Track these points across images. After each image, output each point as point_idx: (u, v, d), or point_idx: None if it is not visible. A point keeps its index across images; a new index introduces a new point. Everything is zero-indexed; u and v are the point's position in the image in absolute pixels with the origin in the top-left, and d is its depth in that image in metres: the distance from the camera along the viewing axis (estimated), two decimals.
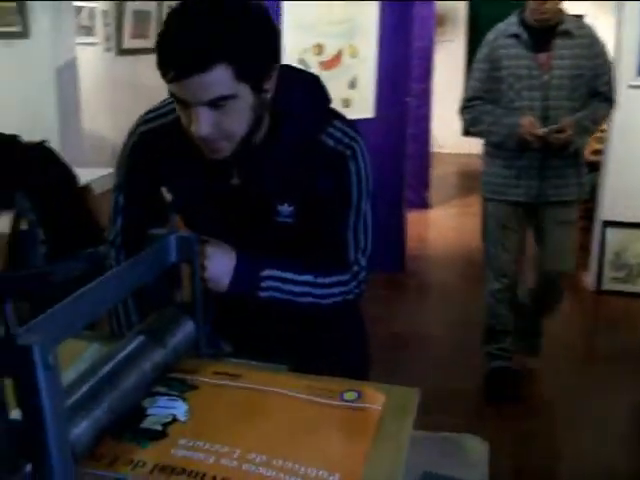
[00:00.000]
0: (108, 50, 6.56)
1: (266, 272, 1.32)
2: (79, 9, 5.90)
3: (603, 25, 4.51)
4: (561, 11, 3.02)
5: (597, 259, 4.59)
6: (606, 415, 3.16)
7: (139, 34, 6.47)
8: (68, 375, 1.03)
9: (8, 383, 0.76)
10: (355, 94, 4.59)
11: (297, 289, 1.35)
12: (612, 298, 4.52)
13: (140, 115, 1.46)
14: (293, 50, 4.35)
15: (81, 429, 0.88)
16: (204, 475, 0.87)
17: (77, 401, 0.91)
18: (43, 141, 3.58)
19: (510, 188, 3.15)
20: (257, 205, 1.37)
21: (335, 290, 1.38)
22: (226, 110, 1.20)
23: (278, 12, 4.33)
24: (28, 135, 3.68)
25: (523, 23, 3.05)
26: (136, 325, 1.28)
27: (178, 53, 1.15)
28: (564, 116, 2.98)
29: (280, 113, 1.33)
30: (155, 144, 1.40)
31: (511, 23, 3.09)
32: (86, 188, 4.12)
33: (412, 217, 5.70)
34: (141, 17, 6.48)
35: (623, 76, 4.16)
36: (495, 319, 3.34)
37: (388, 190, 4.86)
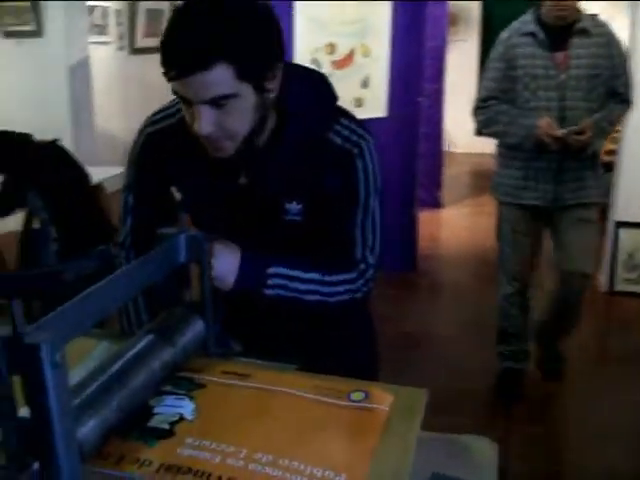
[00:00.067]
0: (121, 49, 6.58)
1: (272, 270, 1.33)
2: (92, 8, 5.92)
3: (617, 25, 4.47)
4: (578, 9, 2.95)
5: (610, 260, 4.57)
6: (618, 416, 3.14)
7: (152, 33, 6.49)
8: (77, 373, 1.03)
9: (16, 380, 0.76)
10: (367, 93, 4.58)
11: (303, 287, 1.35)
12: (625, 299, 4.49)
13: (148, 116, 1.47)
14: (305, 49, 4.35)
15: (89, 427, 0.88)
16: (210, 475, 0.87)
17: (86, 399, 0.91)
18: (55, 140, 3.59)
19: (525, 191, 3.07)
20: (265, 204, 1.38)
21: (342, 288, 1.38)
22: (228, 109, 1.20)
23: (290, 12, 4.32)
24: (41, 133, 3.69)
25: (539, 21, 2.98)
26: (146, 324, 1.28)
27: (179, 52, 1.16)
28: (581, 117, 2.92)
29: (287, 112, 1.34)
30: (163, 144, 1.41)
31: (526, 21, 3.02)
32: (98, 187, 4.13)
33: (424, 216, 5.69)
34: (154, 16, 6.50)
35: (636, 76, 4.14)
36: (507, 322, 3.32)
37: (400, 189, 4.85)
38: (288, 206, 1.37)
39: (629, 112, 3.22)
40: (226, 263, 1.26)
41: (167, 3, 6.46)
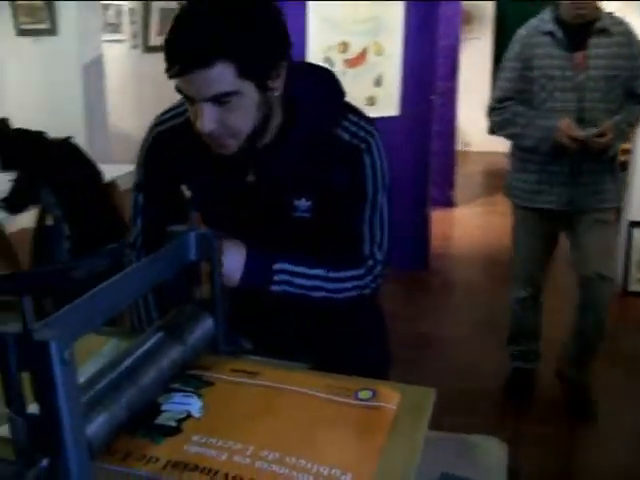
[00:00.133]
0: (135, 47, 6.61)
1: (277, 266, 1.33)
2: (106, 7, 5.95)
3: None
4: (598, 8, 2.85)
5: (623, 260, 4.54)
6: (630, 417, 3.12)
7: (165, 31, 6.50)
8: (87, 370, 1.04)
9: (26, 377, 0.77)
10: (380, 92, 4.58)
11: (309, 283, 1.35)
12: (638, 300, 4.46)
13: (156, 115, 1.48)
14: (318, 48, 4.36)
15: (98, 424, 0.88)
16: (216, 472, 0.87)
17: (95, 396, 0.91)
18: (68, 137, 3.61)
19: (540, 195, 2.99)
20: (274, 201, 1.38)
21: (349, 285, 1.38)
22: (230, 107, 1.21)
23: (303, 10, 4.32)
24: (55, 131, 3.71)
25: (557, 20, 2.87)
26: (156, 321, 1.29)
27: (180, 49, 1.18)
28: (599, 118, 2.82)
29: (294, 108, 1.34)
30: (172, 143, 1.42)
31: (544, 20, 2.92)
32: (111, 184, 4.15)
33: (437, 215, 5.67)
34: (167, 14, 6.53)
35: None
36: (519, 323, 3.29)
37: (413, 188, 4.85)
38: (297, 203, 1.37)
39: None
40: (232, 260, 1.27)
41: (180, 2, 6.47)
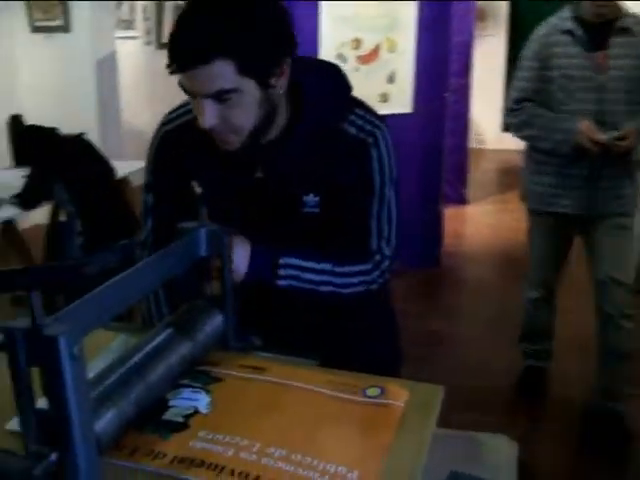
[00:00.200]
0: (148, 44, 6.63)
1: (283, 260, 1.33)
2: (120, 3, 5.96)
3: None
4: (619, 6, 2.73)
5: (638, 261, 4.49)
6: None
7: None
8: (95, 365, 1.04)
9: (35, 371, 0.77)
10: (393, 89, 4.56)
11: (316, 278, 1.35)
12: None
13: (164, 114, 1.49)
14: (331, 44, 4.34)
15: (107, 420, 0.89)
16: (223, 468, 0.87)
17: (104, 392, 0.92)
18: (81, 134, 3.62)
19: (556, 198, 2.89)
20: (282, 197, 1.38)
21: (356, 280, 1.37)
22: (231, 104, 1.22)
23: (316, 7, 4.31)
24: (68, 127, 3.73)
25: (577, 18, 2.75)
26: (166, 317, 1.29)
27: (181, 46, 1.19)
28: (620, 121, 2.71)
29: (301, 103, 1.34)
30: (179, 141, 1.42)
31: (563, 18, 2.80)
32: (123, 180, 4.17)
33: (449, 213, 5.66)
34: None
35: None
36: (531, 323, 3.27)
37: (425, 185, 4.84)
38: (305, 198, 1.37)
39: None
40: (237, 255, 1.27)
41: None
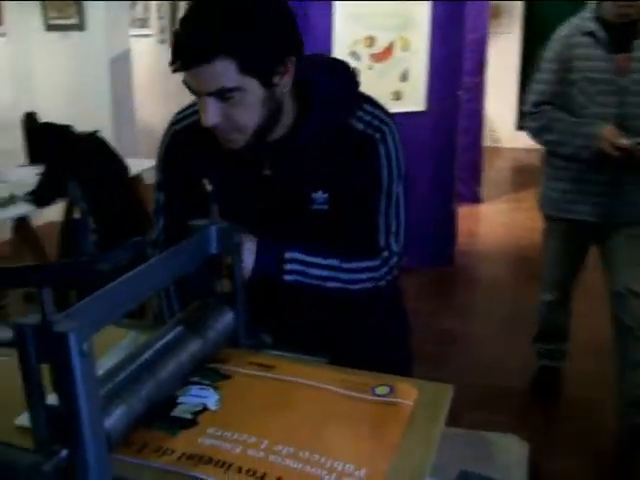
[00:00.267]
0: (162, 42, 6.65)
1: (289, 255, 1.33)
2: (134, 3, 5.99)
3: None
4: None
5: None
6: None
7: None
8: (105, 362, 1.05)
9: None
10: (406, 87, 4.55)
11: (323, 273, 1.35)
12: None
13: (174, 113, 1.50)
14: (344, 42, 4.34)
15: (117, 417, 0.89)
16: (230, 465, 0.87)
17: (114, 389, 0.92)
18: (95, 131, 3.64)
19: (574, 205, 2.81)
20: (291, 194, 1.38)
21: (364, 276, 1.37)
22: (234, 102, 1.23)
23: (330, 6, 4.31)
24: (82, 125, 3.74)
25: (599, 19, 2.65)
26: (177, 314, 1.29)
27: (182, 45, 1.20)
28: None
29: (309, 100, 1.34)
30: (189, 140, 1.43)
31: (585, 18, 2.70)
32: (137, 178, 4.19)
33: (463, 211, 5.64)
34: None
35: None
36: (546, 324, 3.24)
37: (439, 184, 4.83)
38: (314, 195, 1.37)
39: None
40: (244, 252, 1.27)
41: None
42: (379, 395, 1.02)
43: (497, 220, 6.31)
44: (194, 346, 1.07)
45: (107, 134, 4.00)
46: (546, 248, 3.09)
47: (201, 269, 1.16)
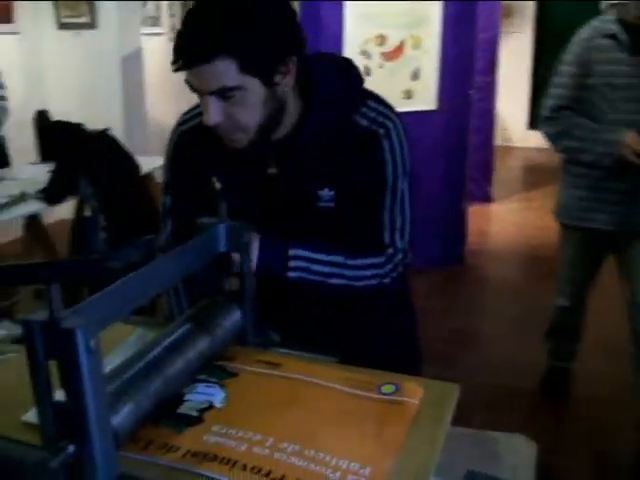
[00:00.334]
0: (173, 40, 6.65)
1: (292, 252, 1.33)
2: (145, 2, 6.01)
3: None
4: None
5: None
6: None
7: None
8: (112, 359, 1.05)
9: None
10: (417, 86, 4.54)
11: (326, 270, 1.35)
12: None
13: (180, 114, 1.50)
14: (355, 41, 4.33)
15: (124, 414, 0.89)
16: (235, 463, 0.87)
17: (122, 386, 0.92)
18: (106, 129, 3.65)
19: (592, 213, 2.73)
20: (297, 192, 1.38)
21: (368, 272, 1.37)
22: (235, 101, 1.23)
23: (340, 6, 4.30)
24: (94, 123, 3.75)
25: (622, 21, 2.55)
26: (186, 311, 1.29)
27: (182, 45, 1.22)
28: None
29: (313, 98, 1.34)
30: (195, 141, 1.44)
31: (606, 20, 2.60)
32: (148, 176, 4.19)
33: (474, 210, 5.63)
34: None
35: None
36: (558, 327, 3.20)
37: (450, 183, 4.82)
38: (320, 193, 1.37)
39: None
40: None
41: None
42: (385, 394, 1.02)
43: (508, 219, 6.29)
44: (202, 344, 1.07)
45: (118, 132, 4.01)
46: (562, 256, 3.02)
47: (210, 267, 1.16)
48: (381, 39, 4.42)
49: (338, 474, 0.85)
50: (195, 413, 0.98)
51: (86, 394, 0.77)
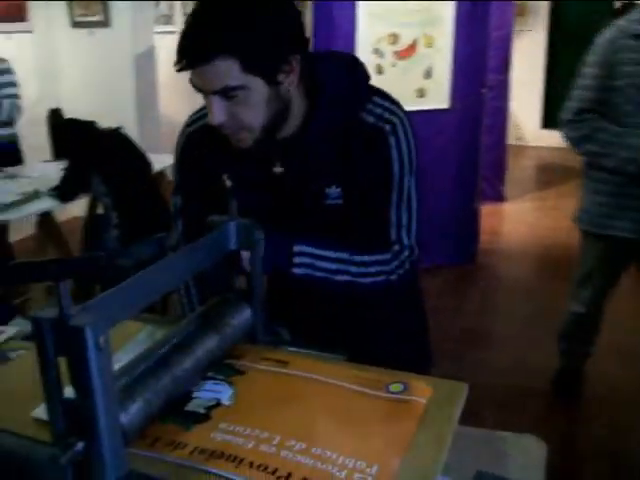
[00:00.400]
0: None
1: (297, 248, 1.33)
2: (158, 3, 6.02)
3: None
4: None
5: None
6: None
7: None
8: (121, 356, 1.05)
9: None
10: (430, 84, 4.53)
11: (332, 266, 1.34)
12: None
13: (189, 115, 1.51)
14: (368, 40, 4.33)
15: (133, 411, 0.89)
16: (242, 460, 0.87)
17: (131, 383, 0.93)
18: (119, 127, 3.66)
19: (611, 220, 2.68)
20: (305, 190, 1.38)
21: (374, 269, 1.37)
22: (238, 101, 1.23)
23: (353, 6, 4.30)
24: (107, 121, 3.76)
25: None
26: (196, 309, 1.30)
27: (184, 45, 1.22)
28: None
29: (319, 97, 1.34)
30: (203, 141, 1.44)
31: (633, 20, 2.51)
32: (160, 174, 4.21)
33: (486, 210, 5.61)
34: None
35: None
36: (572, 329, 3.16)
37: (462, 182, 4.81)
38: (328, 190, 1.37)
39: None
40: None
41: None
42: (393, 392, 1.02)
43: (520, 219, 6.27)
44: (211, 342, 1.07)
45: (131, 130, 4.02)
46: (581, 264, 2.95)
47: (220, 265, 1.17)
48: (394, 38, 4.41)
49: (345, 473, 0.85)
50: (202, 410, 0.98)
51: (95, 391, 0.77)
